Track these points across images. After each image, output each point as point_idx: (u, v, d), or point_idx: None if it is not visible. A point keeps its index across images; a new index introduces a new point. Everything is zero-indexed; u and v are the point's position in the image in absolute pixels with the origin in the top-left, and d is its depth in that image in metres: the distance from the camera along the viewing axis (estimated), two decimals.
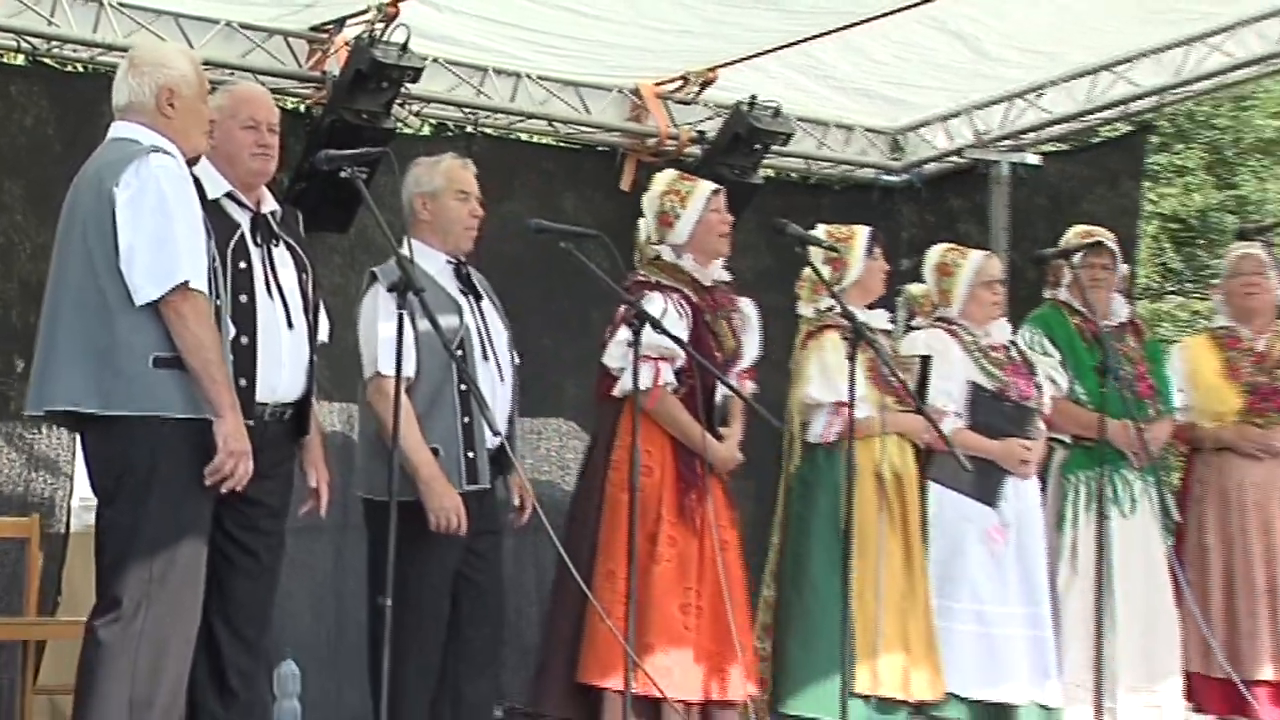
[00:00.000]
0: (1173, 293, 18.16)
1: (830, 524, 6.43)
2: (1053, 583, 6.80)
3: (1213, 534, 7.26)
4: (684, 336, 6.02)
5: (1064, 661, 6.77)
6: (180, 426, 4.73)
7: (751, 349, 6.47)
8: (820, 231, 6.63)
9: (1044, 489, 6.98)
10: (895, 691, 6.38)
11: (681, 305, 6.20)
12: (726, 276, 6.47)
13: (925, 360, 6.71)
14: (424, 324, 5.30)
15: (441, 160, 5.99)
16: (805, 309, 6.76)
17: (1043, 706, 6.70)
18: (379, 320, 5.58)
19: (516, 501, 5.91)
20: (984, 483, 6.66)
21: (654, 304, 6.09)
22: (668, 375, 6.12)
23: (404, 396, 5.40)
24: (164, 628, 4.72)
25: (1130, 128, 10.28)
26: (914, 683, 6.45)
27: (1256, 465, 7.24)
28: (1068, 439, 7.00)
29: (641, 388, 5.98)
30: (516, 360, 6.02)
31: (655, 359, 6.02)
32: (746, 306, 6.51)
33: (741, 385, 6.31)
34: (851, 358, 6.06)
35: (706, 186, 6.46)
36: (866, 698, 6.29)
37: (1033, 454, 6.80)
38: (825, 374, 6.50)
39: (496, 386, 5.82)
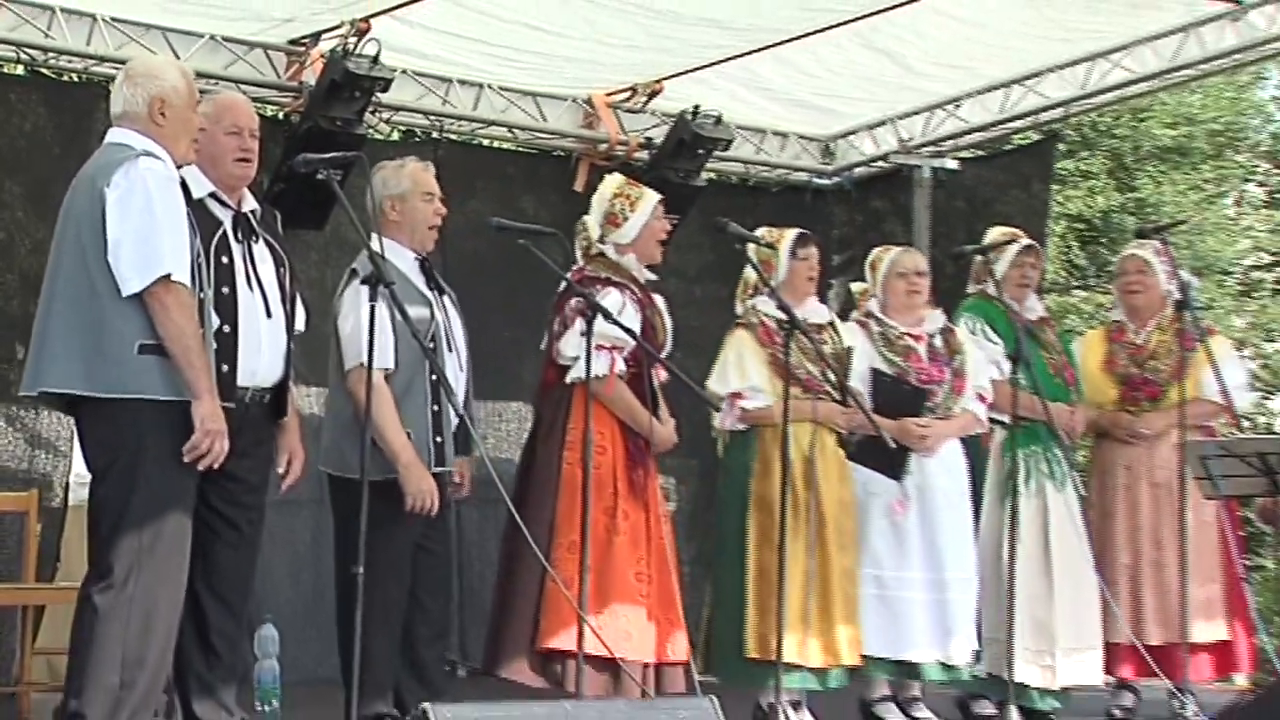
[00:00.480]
0: (1078, 287, 18.24)
1: (738, 505, 6.47)
2: (998, 552, 6.74)
3: (1094, 511, 7.30)
4: (637, 329, 6.01)
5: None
6: (163, 408, 4.73)
7: (668, 340, 6.46)
8: (760, 234, 6.61)
9: (971, 465, 6.96)
10: (795, 657, 6.31)
11: (634, 300, 6.18)
12: (653, 276, 6.43)
13: (849, 351, 6.72)
14: (400, 317, 5.29)
15: (406, 164, 5.94)
16: (738, 308, 6.76)
17: (945, 665, 6.69)
18: (362, 313, 5.51)
19: (456, 478, 5.87)
20: (890, 459, 6.65)
21: (611, 298, 6.05)
22: (620, 363, 6.10)
23: (385, 385, 5.39)
24: (153, 593, 4.73)
25: (1040, 136, 10.34)
26: (810, 649, 6.40)
27: (1128, 449, 7.29)
28: (1007, 419, 6.97)
29: (600, 375, 5.96)
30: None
31: (609, 348, 6.00)
32: (661, 302, 6.48)
33: (657, 373, 6.28)
34: (785, 351, 6.08)
35: (654, 196, 6.42)
36: (795, 665, 6.26)
37: (932, 432, 6.73)
38: (724, 369, 6.53)
39: (458, 375, 5.80)
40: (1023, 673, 6.74)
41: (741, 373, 6.46)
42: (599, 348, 5.82)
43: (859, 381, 6.68)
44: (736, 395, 6.45)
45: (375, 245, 5.45)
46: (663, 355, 6.30)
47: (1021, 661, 6.70)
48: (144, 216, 4.72)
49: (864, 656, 6.58)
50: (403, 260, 5.75)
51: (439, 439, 5.66)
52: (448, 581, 5.92)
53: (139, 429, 4.72)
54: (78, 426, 4.93)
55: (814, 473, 6.50)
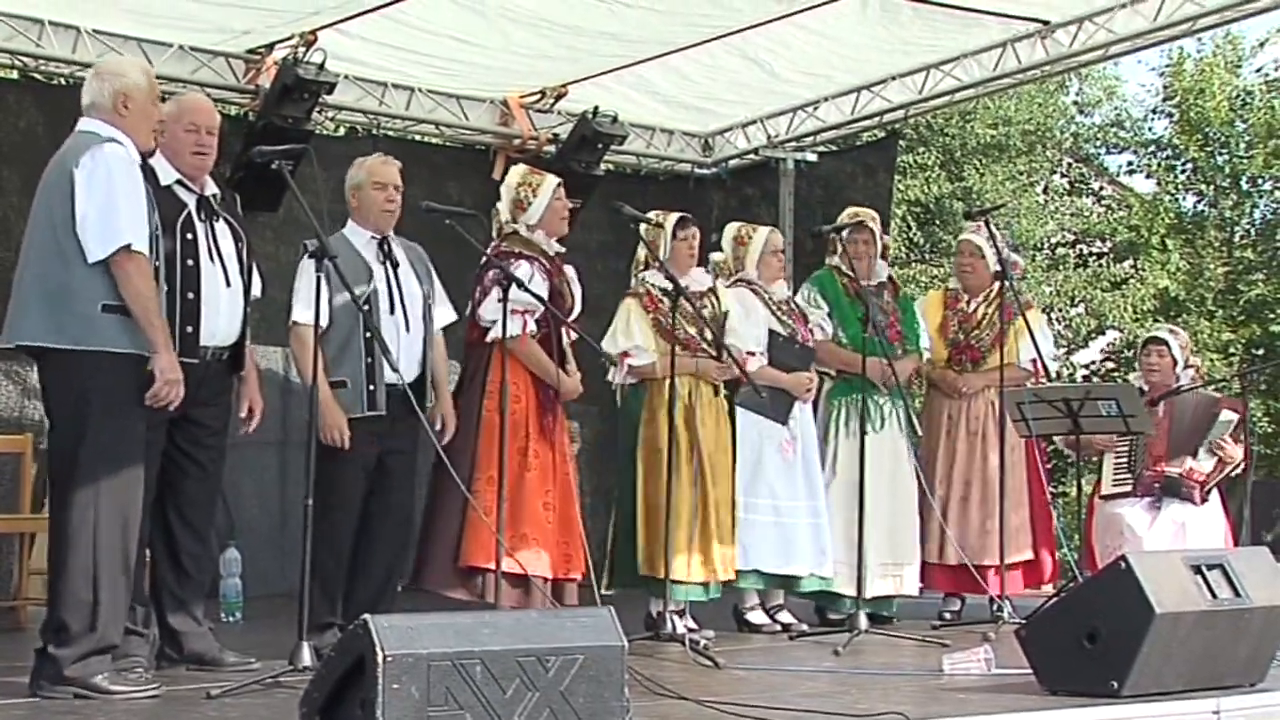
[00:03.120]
0: (916, 261, 18.39)
1: (630, 447, 6.42)
2: (859, 485, 6.68)
3: (925, 451, 7.27)
4: (545, 296, 5.97)
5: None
6: (122, 359, 4.61)
7: (578, 305, 6.40)
8: (651, 216, 6.55)
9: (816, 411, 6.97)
10: (682, 575, 6.29)
11: (543, 271, 6.13)
12: (560, 249, 6.37)
13: (726, 314, 6.69)
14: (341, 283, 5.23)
15: (368, 160, 5.90)
16: (632, 281, 6.70)
17: (820, 577, 6.73)
18: (301, 280, 5.45)
19: (438, 426, 5.73)
20: (778, 406, 6.65)
21: (522, 270, 6.00)
22: (531, 325, 6.05)
23: (309, 339, 5.31)
24: (112, 520, 4.58)
25: (884, 134, 10.37)
26: (693, 567, 6.37)
27: (951, 402, 7.31)
28: (832, 372, 6.98)
29: (513, 334, 5.91)
30: (449, 319, 5.98)
31: (521, 312, 5.96)
32: (571, 272, 6.42)
33: (566, 332, 6.25)
34: (672, 313, 6.04)
35: (553, 180, 6.36)
36: (671, 579, 6.24)
37: (813, 384, 6.81)
38: (614, 332, 6.46)
39: (401, 336, 5.67)
40: (837, 585, 6.77)
41: (628, 334, 6.40)
42: (513, 312, 5.78)
43: (761, 340, 6.65)
44: (625, 354, 6.40)
45: (345, 228, 5.61)
46: (570, 318, 6.25)
47: (839, 576, 6.74)
48: (106, 193, 4.60)
49: (744, 571, 6.55)
50: (359, 239, 5.72)
51: (371, 387, 5.58)
52: (399, 514, 5.82)
53: (98, 377, 4.58)
54: (41, 376, 4.76)
55: (694, 418, 6.47)
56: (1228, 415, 7.10)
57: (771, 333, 6.74)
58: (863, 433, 6.55)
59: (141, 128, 4.83)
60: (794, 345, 6.74)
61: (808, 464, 6.75)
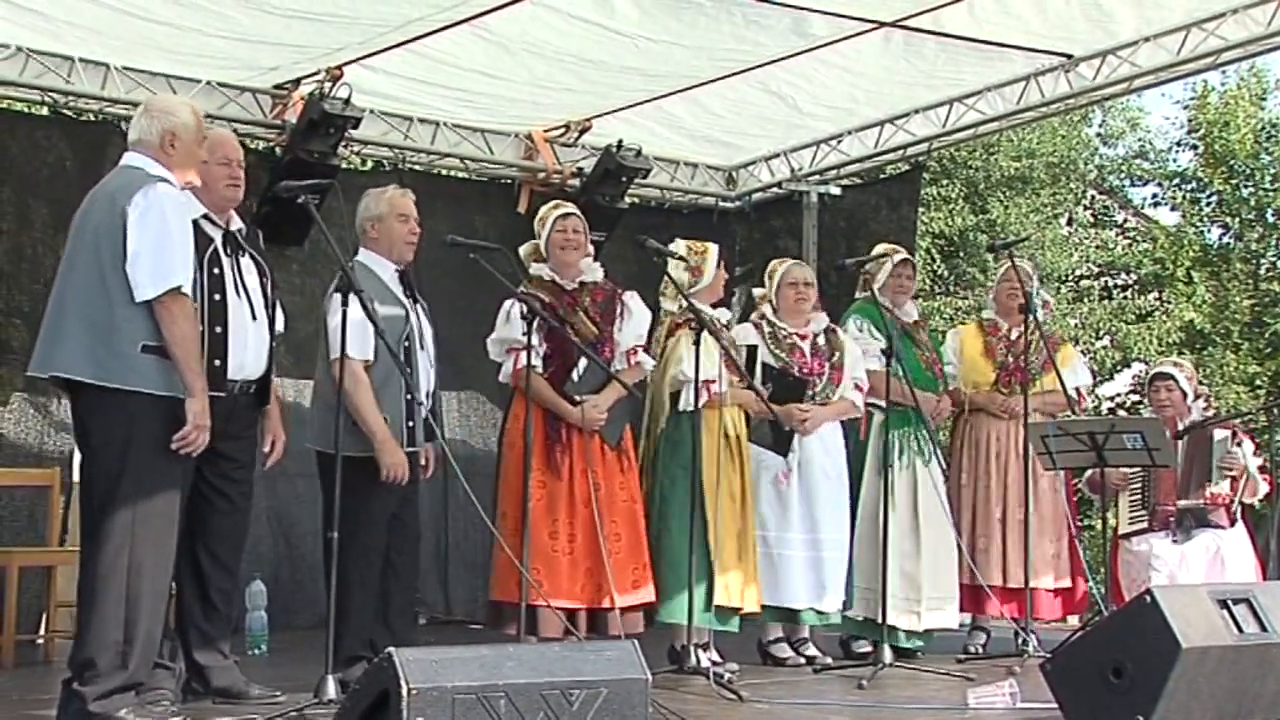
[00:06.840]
0: (941, 294, 18.36)
1: (687, 473, 6.31)
2: (876, 516, 6.62)
3: (966, 475, 7.31)
4: (520, 329, 5.88)
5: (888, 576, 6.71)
6: (156, 400, 4.61)
7: (630, 332, 6.28)
8: (680, 245, 6.54)
9: (848, 444, 6.93)
10: (733, 602, 6.28)
11: (543, 305, 5.99)
12: (597, 278, 6.32)
13: (752, 348, 6.68)
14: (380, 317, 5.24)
15: (386, 191, 5.86)
16: (670, 305, 6.63)
17: (819, 611, 6.67)
18: (344, 313, 5.36)
19: (422, 462, 5.76)
20: (778, 438, 6.63)
21: (503, 307, 6.01)
22: (533, 360, 6.01)
23: (364, 374, 5.33)
24: (146, 558, 4.58)
25: (908, 166, 10.36)
26: (747, 596, 6.39)
27: (1000, 424, 7.28)
28: (884, 404, 6.92)
29: (507, 374, 5.98)
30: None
31: (517, 350, 5.94)
32: (629, 300, 6.35)
33: (632, 360, 6.23)
34: (696, 344, 6.00)
35: (556, 212, 6.34)
36: (709, 607, 6.23)
37: (811, 415, 6.65)
38: (691, 358, 6.28)
39: (429, 371, 5.73)
40: (894, 618, 6.74)
41: (711, 361, 6.23)
42: (507, 351, 5.76)
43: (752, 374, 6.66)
44: (710, 381, 6.26)
45: (361, 258, 5.55)
46: (622, 346, 6.20)
47: (893, 608, 6.70)
48: (159, 233, 4.60)
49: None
50: (384, 271, 5.69)
51: (410, 423, 5.58)
52: (414, 543, 5.84)
53: (134, 416, 4.59)
54: (76, 407, 4.74)
55: (742, 446, 6.47)
56: (1220, 434, 7.13)
57: (764, 365, 6.70)
58: (888, 466, 6.53)
59: (185, 167, 4.85)
60: (785, 377, 6.70)
61: (808, 498, 6.66)
